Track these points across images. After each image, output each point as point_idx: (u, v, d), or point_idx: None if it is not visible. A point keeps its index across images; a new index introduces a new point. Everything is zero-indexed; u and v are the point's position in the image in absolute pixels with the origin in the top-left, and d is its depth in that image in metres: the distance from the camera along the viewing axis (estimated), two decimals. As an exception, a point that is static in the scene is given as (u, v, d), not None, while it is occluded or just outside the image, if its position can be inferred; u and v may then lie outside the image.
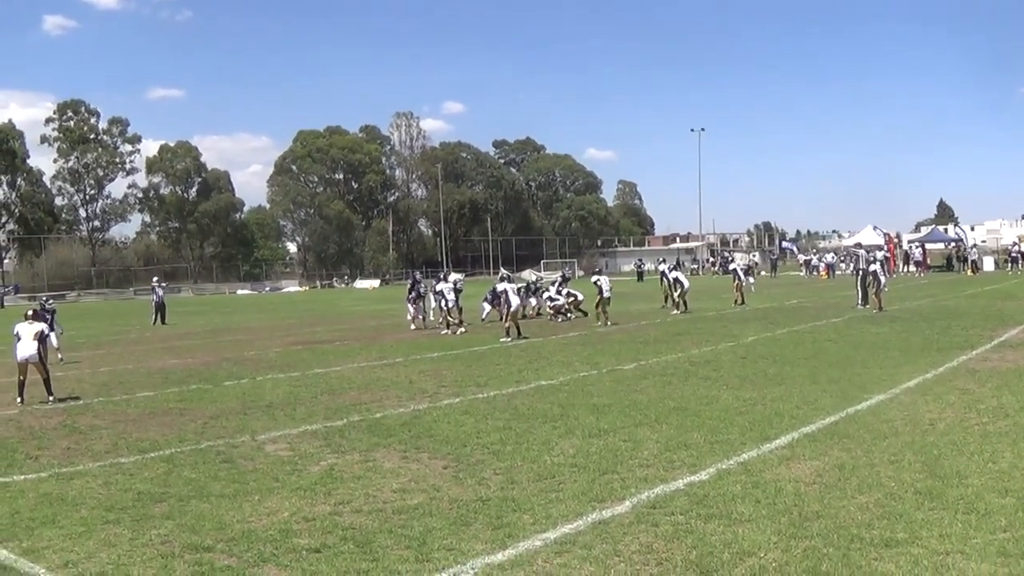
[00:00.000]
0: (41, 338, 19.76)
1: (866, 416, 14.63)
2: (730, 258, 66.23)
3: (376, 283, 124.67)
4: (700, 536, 8.83)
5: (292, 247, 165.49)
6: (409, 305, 37.89)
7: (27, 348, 19.49)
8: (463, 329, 34.11)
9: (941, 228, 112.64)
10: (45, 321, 21.86)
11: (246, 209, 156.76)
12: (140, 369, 25.84)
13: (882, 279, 36.66)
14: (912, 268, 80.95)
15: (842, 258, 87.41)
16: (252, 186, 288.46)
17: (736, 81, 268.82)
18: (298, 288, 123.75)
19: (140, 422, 16.70)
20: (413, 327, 36.99)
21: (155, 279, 53.44)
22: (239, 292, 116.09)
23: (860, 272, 40.86)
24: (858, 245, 56.33)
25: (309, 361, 25.89)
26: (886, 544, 8.38)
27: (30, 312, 20.66)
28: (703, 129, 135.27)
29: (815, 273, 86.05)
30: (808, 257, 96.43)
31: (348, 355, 27.39)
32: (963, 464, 11.20)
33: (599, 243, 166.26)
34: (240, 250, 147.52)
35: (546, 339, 30.32)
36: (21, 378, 19.59)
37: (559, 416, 15.60)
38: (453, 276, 38.27)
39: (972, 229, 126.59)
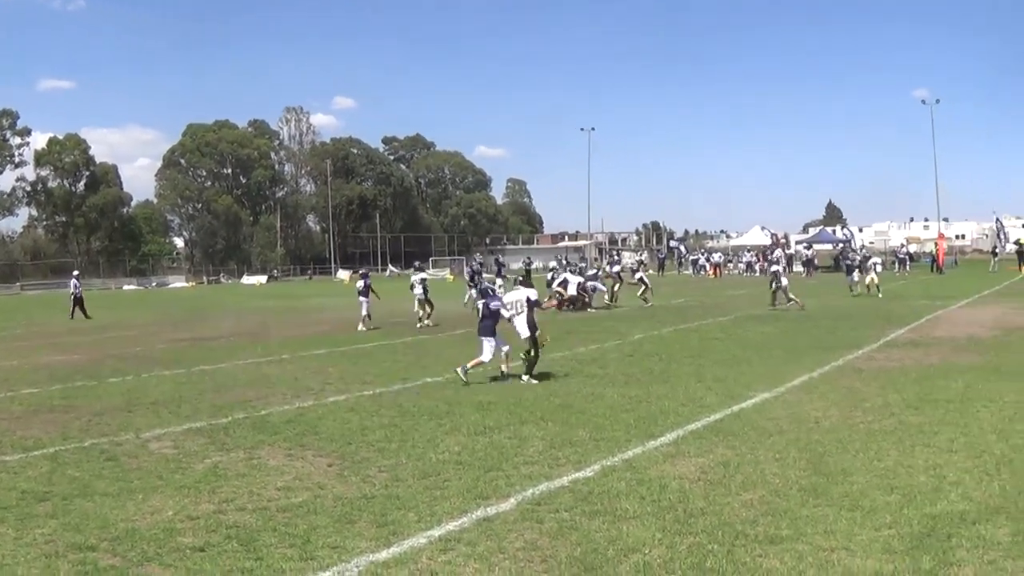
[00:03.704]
0: (531, 305, 19.60)
1: (751, 414, 14.74)
2: (616, 258, 66.54)
3: (263, 279, 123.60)
4: (585, 533, 8.81)
5: (179, 242, 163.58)
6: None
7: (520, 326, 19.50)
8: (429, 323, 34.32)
9: (829, 229, 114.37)
10: None
11: (134, 203, 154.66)
12: (24, 365, 25.29)
13: (855, 277, 36.78)
14: (800, 268, 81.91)
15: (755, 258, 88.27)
16: (140, 180, 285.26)
17: (624, 80, 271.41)
18: (185, 284, 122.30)
19: (24, 419, 16.34)
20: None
21: (75, 273, 52.34)
22: (125, 287, 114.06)
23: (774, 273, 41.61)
24: (774, 245, 57.51)
25: (194, 358, 25.51)
26: (771, 541, 8.41)
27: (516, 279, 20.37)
28: (593, 128, 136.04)
29: (702, 272, 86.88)
30: (695, 256, 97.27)
31: (233, 352, 27.06)
32: (848, 461, 11.29)
33: (488, 241, 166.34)
34: (127, 245, 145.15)
35: (433, 336, 30.22)
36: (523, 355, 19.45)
37: (445, 413, 15.54)
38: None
39: (860, 231, 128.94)
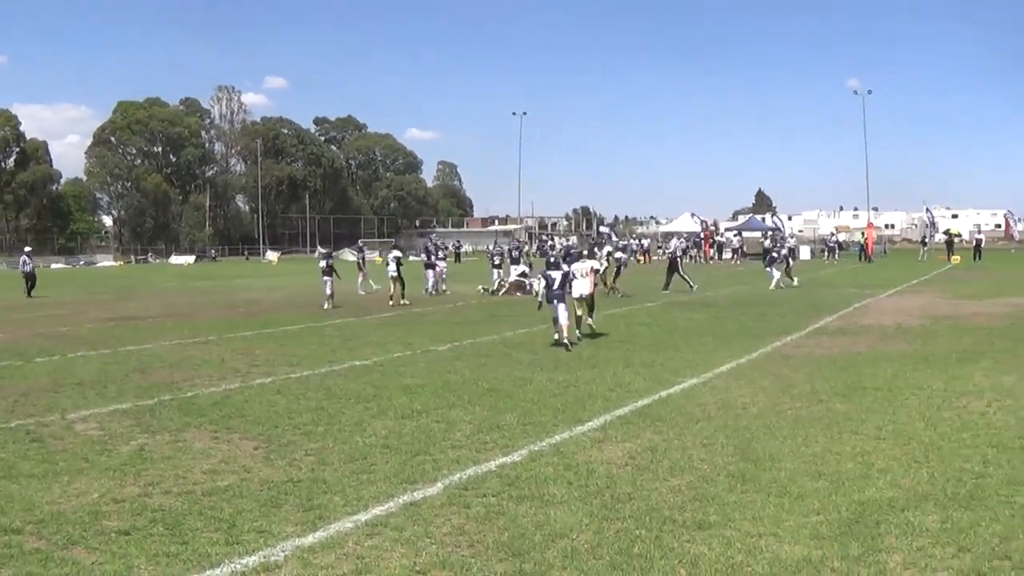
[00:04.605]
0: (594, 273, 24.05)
1: (679, 399, 14.74)
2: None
3: (191, 259, 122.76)
4: (512, 518, 8.76)
5: (108, 221, 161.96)
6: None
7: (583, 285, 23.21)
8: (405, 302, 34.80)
9: (759, 217, 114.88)
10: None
11: (63, 181, 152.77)
12: (-51, 344, 24.84)
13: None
14: (729, 256, 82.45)
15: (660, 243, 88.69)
16: (70, 157, 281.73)
17: (557, 65, 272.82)
18: (112, 263, 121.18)
19: (-51, 399, 16.09)
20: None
21: (27, 250, 51.74)
22: (53, 266, 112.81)
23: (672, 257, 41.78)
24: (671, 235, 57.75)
25: (121, 338, 25.23)
26: (699, 526, 8.40)
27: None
28: (525, 113, 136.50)
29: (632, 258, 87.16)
30: (626, 242, 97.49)
31: (160, 332, 26.71)
32: (776, 448, 11.31)
33: (417, 223, 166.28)
34: (56, 223, 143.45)
35: (360, 319, 30.09)
36: (579, 313, 23.27)
37: (372, 397, 15.43)
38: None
39: (790, 219, 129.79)
